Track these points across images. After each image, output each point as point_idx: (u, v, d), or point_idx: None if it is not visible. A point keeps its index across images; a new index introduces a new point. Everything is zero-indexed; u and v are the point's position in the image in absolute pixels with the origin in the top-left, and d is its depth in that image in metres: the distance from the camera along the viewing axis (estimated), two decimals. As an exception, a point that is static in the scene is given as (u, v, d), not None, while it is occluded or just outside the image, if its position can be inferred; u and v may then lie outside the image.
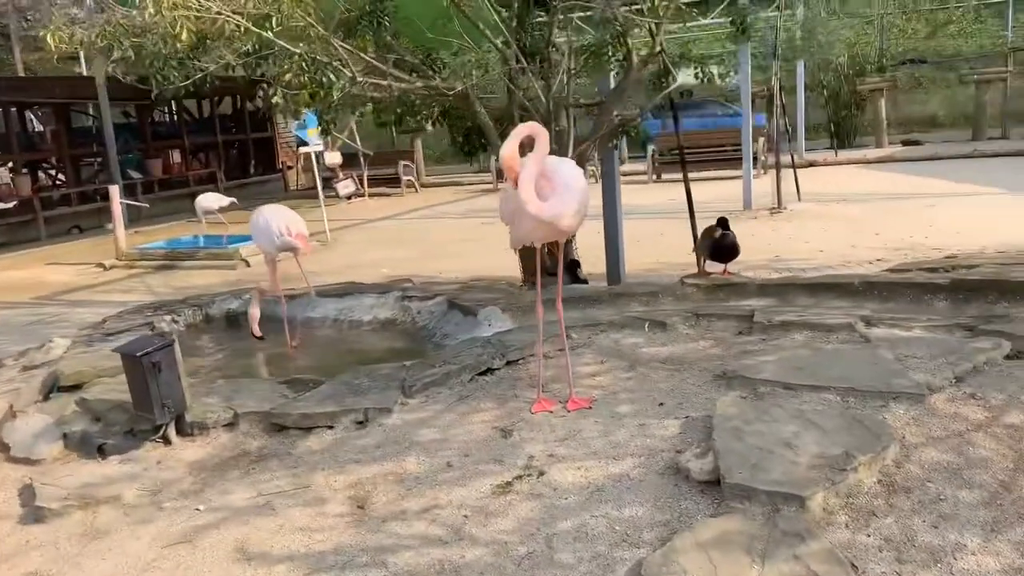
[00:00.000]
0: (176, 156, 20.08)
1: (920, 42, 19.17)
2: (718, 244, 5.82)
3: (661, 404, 3.92)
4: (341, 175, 18.69)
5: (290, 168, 22.74)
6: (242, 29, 4.65)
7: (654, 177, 17.30)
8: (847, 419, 3.41)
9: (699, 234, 6.56)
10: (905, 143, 18.73)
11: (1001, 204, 11.85)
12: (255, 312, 5.95)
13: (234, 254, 12.00)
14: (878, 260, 9.01)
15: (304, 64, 4.82)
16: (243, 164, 22.33)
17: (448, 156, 30.52)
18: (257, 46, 4.96)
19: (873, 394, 3.60)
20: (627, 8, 5.96)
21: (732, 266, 6.32)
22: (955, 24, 19.29)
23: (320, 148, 13.92)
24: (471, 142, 7.24)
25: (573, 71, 6.21)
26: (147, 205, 16.10)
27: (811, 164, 16.95)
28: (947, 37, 19.63)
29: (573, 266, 6.29)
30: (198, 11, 4.50)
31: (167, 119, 21.45)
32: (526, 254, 6.80)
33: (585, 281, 6.25)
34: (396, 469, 3.77)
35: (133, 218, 15.62)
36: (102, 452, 4.39)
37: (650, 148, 16.38)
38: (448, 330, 5.74)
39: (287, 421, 4.30)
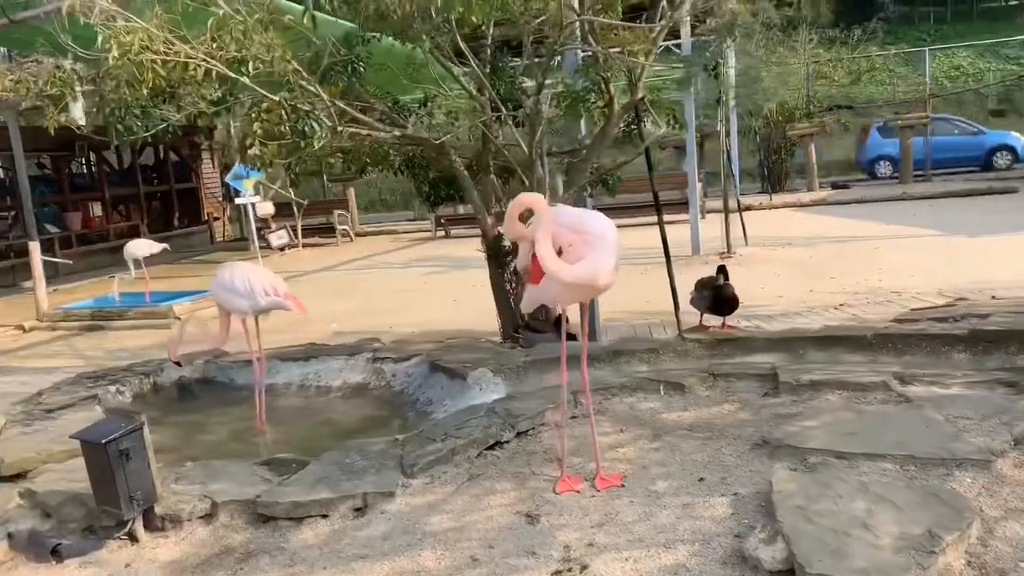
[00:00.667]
0: (96, 209, 19.09)
1: (843, 89, 19.74)
2: (718, 296, 5.58)
3: (701, 479, 3.58)
4: (274, 225, 18.06)
5: (216, 219, 21.93)
6: (213, 74, 4.21)
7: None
8: (918, 492, 3.13)
9: (683, 285, 6.29)
10: (835, 187, 19.16)
11: (942, 246, 12.06)
12: (176, 335, 5.71)
13: (168, 312, 11.28)
14: (842, 305, 8.95)
15: (285, 112, 4.42)
16: (167, 216, 21.41)
17: (377, 204, 30.16)
18: (222, 93, 4.52)
19: (935, 462, 3.35)
20: (604, 50, 5.75)
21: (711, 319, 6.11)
22: (875, 72, 19.97)
23: (256, 199, 13.35)
24: (437, 191, 6.88)
25: (555, 118, 5.96)
26: (70, 262, 15.17)
27: (747, 208, 17.11)
28: (867, 85, 20.30)
29: (560, 321, 5.94)
30: (166, 55, 4.04)
31: (86, 170, 20.44)
32: (506, 308, 6.45)
33: (575, 337, 5.92)
34: (412, 566, 3.33)
35: (51, 275, 14.63)
36: (57, 555, 3.81)
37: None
38: (433, 395, 5.31)
39: (276, 511, 3.81)
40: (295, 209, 18.28)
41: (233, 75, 4.27)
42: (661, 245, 6.11)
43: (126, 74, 3.96)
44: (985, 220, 13.84)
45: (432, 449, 4.09)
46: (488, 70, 6.04)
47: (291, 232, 18.39)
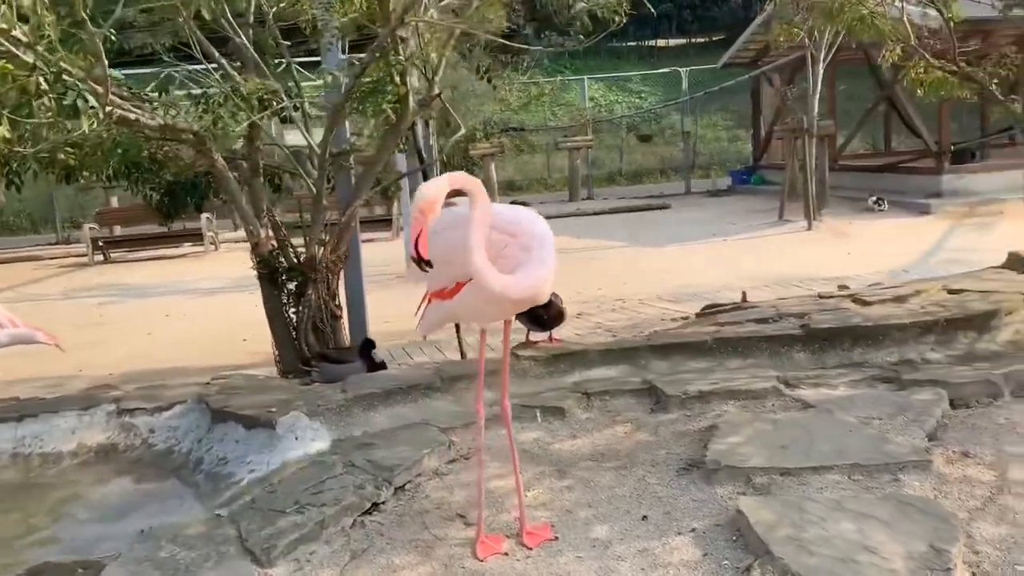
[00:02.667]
0: None
1: (517, 112, 20.60)
2: (542, 311, 5.11)
3: (644, 517, 3.08)
4: None
5: None
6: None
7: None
8: (892, 504, 2.92)
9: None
10: (514, 203, 19.88)
11: (637, 255, 12.92)
12: None
13: None
14: (580, 314, 9.08)
15: (47, 79, 3.12)
16: None
17: (-2, 227, 25.62)
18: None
19: (879, 468, 3.19)
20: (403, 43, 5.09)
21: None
22: (545, 97, 21.12)
23: None
24: (176, 200, 5.67)
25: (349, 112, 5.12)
26: None
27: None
28: (534, 110, 21.39)
29: (368, 347, 5.10)
30: None
31: None
32: (287, 337, 5.45)
33: (384, 365, 5.10)
34: None
35: None
36: None
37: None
38: (226, 452, 4.20)
39: (88, 645, 2.64)
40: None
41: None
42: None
43: None
44: (660, 232, 15.07)
45: (288, 524, 3.13)
46: (251, 52, 5.06)
47: None
